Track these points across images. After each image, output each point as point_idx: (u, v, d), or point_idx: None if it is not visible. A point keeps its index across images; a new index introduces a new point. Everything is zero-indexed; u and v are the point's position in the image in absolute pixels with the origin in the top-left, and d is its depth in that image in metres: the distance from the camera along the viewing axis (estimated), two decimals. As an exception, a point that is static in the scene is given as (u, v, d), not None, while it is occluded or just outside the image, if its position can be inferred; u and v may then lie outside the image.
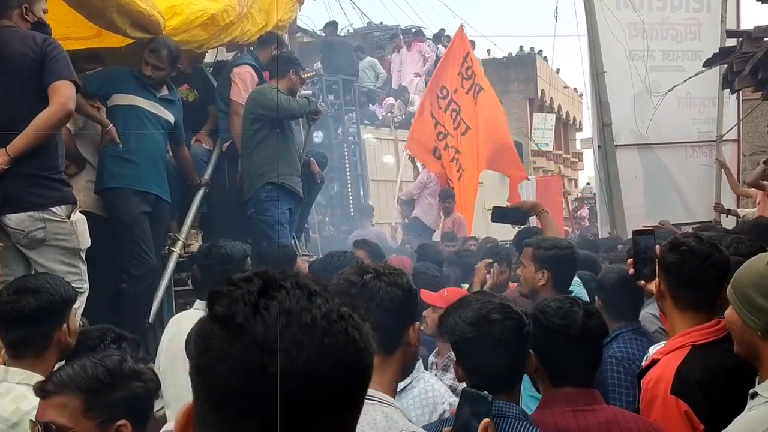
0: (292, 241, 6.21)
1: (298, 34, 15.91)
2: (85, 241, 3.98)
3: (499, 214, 4.43)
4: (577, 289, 4.17)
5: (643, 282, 2.80)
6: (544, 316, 2.35)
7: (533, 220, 5.00)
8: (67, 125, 4.79)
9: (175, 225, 5.56)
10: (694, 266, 2.47)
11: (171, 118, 5.23)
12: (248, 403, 0.88)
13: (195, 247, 5.51)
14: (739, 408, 2.03)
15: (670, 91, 8.76)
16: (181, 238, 5.51)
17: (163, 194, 5.15)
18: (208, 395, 0.90)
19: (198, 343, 0.92)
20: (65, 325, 2.65)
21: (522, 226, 5.04)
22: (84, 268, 3.98)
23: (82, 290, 3.93)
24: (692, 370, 2.37)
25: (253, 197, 5.71)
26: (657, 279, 2.64)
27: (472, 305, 2.20)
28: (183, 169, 5.63)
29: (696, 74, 8.52)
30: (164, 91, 5.24)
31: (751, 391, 1.97)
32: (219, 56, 6.73)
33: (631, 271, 2.92)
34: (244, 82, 5.99)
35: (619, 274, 3.77)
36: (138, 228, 4.91)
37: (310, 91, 11.01)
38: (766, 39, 6.64)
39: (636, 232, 3.02)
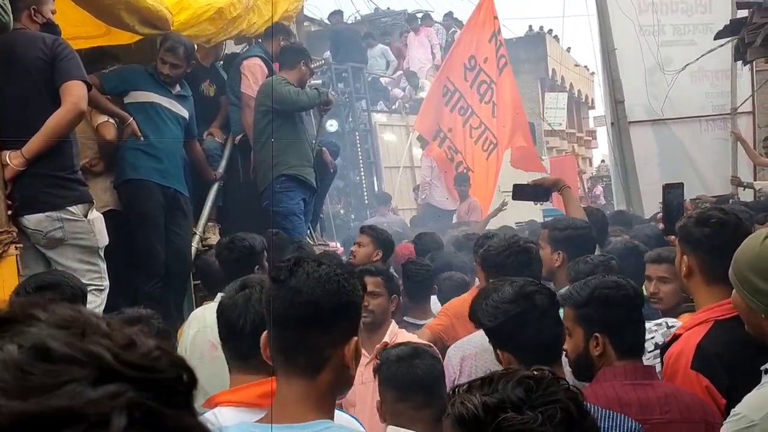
0: (308, 231, 6.24)
1: (305, 24, 15.85)
2: (103, 239, 4.02)
3: (520, 192, 4.35)
4: None
5: (673, 237, 2.81)
6: (611, 291, 2.36)
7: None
8: (110, 120, 4.90)
9: (192, 219, 5.59)
10: (725, 238, 2.43)
11: (186, 114, 5.27)
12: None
13: (212, 240, 5.55)
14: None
15: (684, 69, 8.66)
16: (198, 232, 5.54)
17: (183, 189, 5.19)
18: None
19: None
20: None
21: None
22: (103, 265, 4.02)
23: (102, 287, 3.99)
24: (713, 345, 2.35)
25: (267, 189, 5.73)
26: (681, 256, 2.60)
27: (502, 288, 2.29)
28: (196, 164, 5.65)
29: (710, 51, 8.41)
30: (178, 88, 5.27)
31: (763, 367, 1.94)
32: (227, 49, 6.73)
33: (661, 226, 2.91)
34: (254, 75, 5.99)
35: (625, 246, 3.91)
36: (153, 224, 4.94)
37: (320, 81, 11.01)
38: (777, 8, 6.56)
39: (666, 186, 2.99)
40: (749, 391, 1.94)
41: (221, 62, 6.55)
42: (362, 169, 12.43)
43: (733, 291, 2.12)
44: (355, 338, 1.69)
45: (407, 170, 13.49)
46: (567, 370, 2.44)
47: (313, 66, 9.14)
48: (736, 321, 2.30)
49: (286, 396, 1.65)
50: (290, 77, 5.83)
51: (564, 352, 2.40)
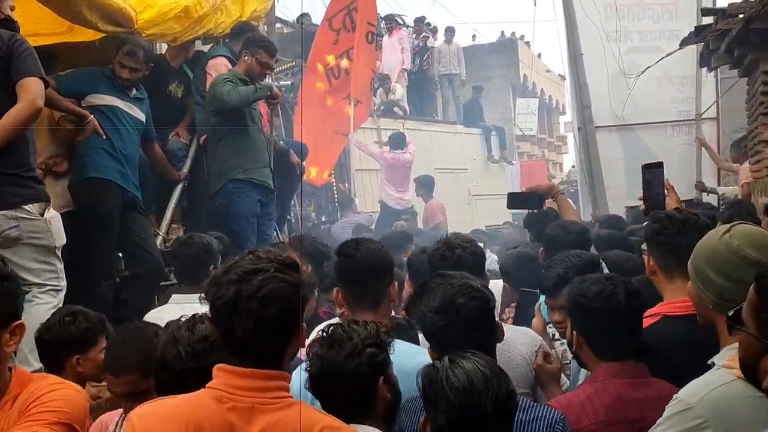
0: (274, 233, 6.20)
1: (277, 26, 15.76)
2: (60, 238, 3.95)
3: (515, 200, 4.38)
4: None
5: None
6: (587, 300, 2.38)
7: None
8: (69, 119, 4.82)
9: (154, 219, 5.53)
10: (673, 232, 2.53)
11: (143, 117, 5.19)
12: None
13: (177, 242, 5.50)
14: None
15: (642, 72, 8.76)
16: (161, 233, 5.48)
17: (139, 195, 5.12)
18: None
19: None
20: None
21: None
22: (60, 265, 3.95)
23: (59, 288, 3.92)
24: (653, 338, 2.43)
25: (221, 190, 5.66)
26: (646, 256, 2.70)
27: (435, 291, 2.26)
28: (157, 165, 5.57)
29: (669, 54, 8.51)
30: (134, 90, 5.19)
31: (710, 361, 2.01)
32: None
33: (643, 207, 2.97)
34: (219, 74, 5.94)
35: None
36: (111, 225, 4.87)
37: (290, 82, 10.93)
38: (741, 16, 6.64)
39: (645, 166, 3.02)
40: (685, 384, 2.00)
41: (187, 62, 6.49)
42: (333, 172, 12.38)
43: (690, 281, 2.18)
44: (396, 283, 2.82)
45: (379, 173, 13.47)
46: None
47: (284, 67, 9.07)
48: (685, 319, 2.35)
49: None
50: (239, 70, 5.75)
51: None
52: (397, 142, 11.71)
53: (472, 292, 2.25)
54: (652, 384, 2.35)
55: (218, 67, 5.96)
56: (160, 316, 3.89)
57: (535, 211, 4.88)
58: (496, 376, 1.92)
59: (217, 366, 1.89)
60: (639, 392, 2.31)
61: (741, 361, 1.63)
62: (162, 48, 6.23)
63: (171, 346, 2.22)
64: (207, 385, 1.87)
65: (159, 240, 5.40)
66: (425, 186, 11.46)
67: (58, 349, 2.98)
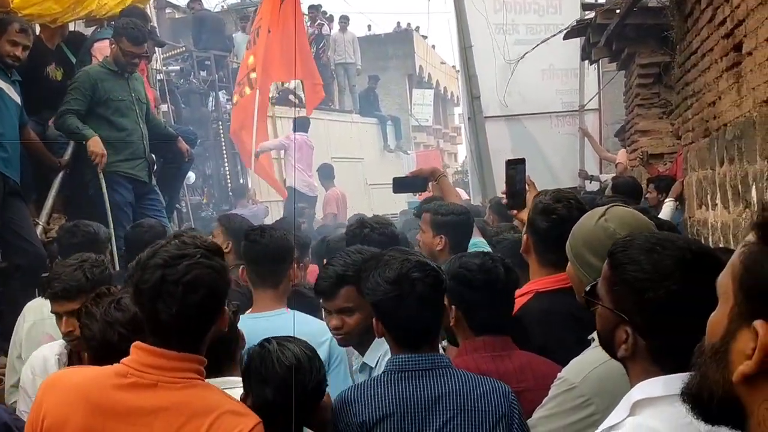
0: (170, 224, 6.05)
1: (168, 10, 15.37)
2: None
3: (400, 184, 4.43)
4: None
5: (515, 212, 3.01)
6: (470, 273, 2.43)
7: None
8: None
9: (33, 208, 5.30)
10: (563, 232, 2.48)
11: (19, 101, 4.96)
12: None
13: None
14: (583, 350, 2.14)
15: (522, 58, 9.07)
16: (41, 223, 5.26)
17: (18, 181, 4.89)
18: None
19: None
20: None
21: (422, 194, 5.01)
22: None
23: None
24: (528, 314, 2.52)
25: (92, 180, 5.49)
26: (525, 235, 2.75)
27: (391, 264, 2.25)
28: (35, 152, 5.32)
29: (544, 41, 8.85)
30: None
31: (590, 336, 2.05)
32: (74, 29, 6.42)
33: (505, 201, 3.06)
34: (104, 57, 5.75)
35: None
36: None
37: (179, 67, 10.69)
38: (618, 11, 6.99)
39: (509, 162, 3.11)
40: (561, 356, 2.08)
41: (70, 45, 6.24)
42: (226, 160, 12.19)
43: (569, 263, 2.23)
44: (295, 265, 3.18)
45: (275, 161, 13.36)
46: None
47: (173, 53, 8.82)
48: (557, 293, 2.45)
49: (263, 299, 3.03)
50: (109, 59, 5.54)
51: None
52: (301, 124, 11.42)
53: (427, 269, 2.25)
54: (515, 356, 2.42)
55: (104, 50, 5.75)
56: (40, 306, 3.77)
57: (418, 196, 4.97)
58: (317, 359, 2.18)
59: (134, 344, 1.92)
60: (499, 365, 2.37)
61: (598, 333, 1.70)
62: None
63: (109, 330, 2.24)
64: (121, 361, 1.91)
65: (39, 230, 5.18)
66: (325, 175, 11.46)
67: None
